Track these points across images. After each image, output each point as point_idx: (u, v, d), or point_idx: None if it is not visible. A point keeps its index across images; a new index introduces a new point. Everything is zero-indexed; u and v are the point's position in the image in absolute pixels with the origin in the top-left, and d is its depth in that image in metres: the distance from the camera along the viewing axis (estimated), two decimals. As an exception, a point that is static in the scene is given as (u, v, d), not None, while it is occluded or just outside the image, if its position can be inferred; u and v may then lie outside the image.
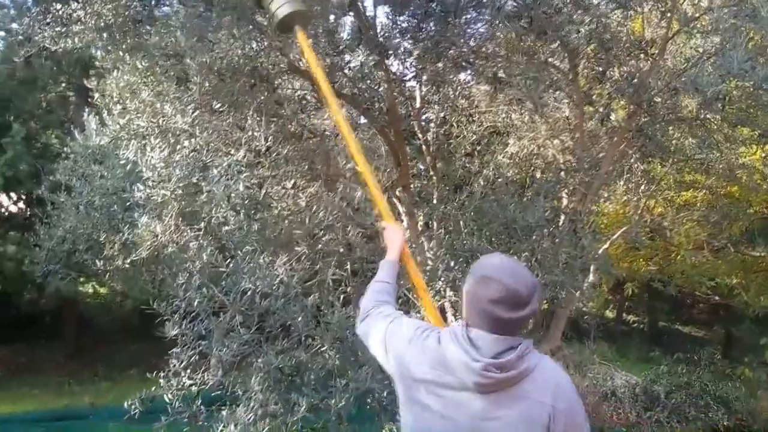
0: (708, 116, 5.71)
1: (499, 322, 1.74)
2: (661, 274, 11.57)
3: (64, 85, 13.66)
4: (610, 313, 18.73)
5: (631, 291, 12.15)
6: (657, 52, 5.19)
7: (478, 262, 1.86)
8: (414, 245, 4.92)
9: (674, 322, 19.92)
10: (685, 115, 5.87)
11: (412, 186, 5.74)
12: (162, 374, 4.11)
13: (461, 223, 5.25)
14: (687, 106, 5.88)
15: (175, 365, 4.14)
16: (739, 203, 9.86)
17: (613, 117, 6.17)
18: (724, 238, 10.48)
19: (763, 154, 8.94)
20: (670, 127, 6.20)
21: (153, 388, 4.14)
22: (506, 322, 1.74)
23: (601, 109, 5.98)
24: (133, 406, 4.36)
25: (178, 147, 4.51)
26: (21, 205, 13.35)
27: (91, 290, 15.29)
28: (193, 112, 4.29)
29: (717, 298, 12.84)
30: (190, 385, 4.07)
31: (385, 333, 2.02)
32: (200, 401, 4.09)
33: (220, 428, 3.86)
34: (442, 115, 6.34)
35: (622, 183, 7.94)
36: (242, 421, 3.86)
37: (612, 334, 16.84)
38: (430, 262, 4.89)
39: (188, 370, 4.11)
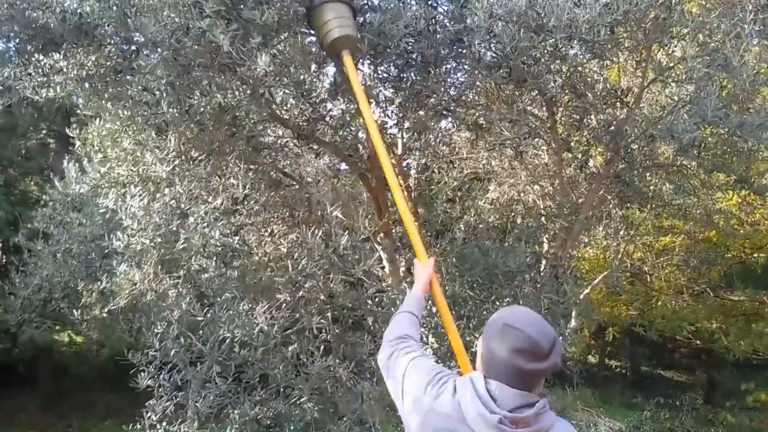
0: (684, 162, 5.80)
1: (519, 374, 1.70)
2: (641, 318, 11.61)
3: (44, 132, 13.65)
4: (592, 358, 18.69)
5: (613, 336, 12.16)
6: (633, 100, 5.29)
7: (498, 313, 1.83)
8: (395, 291, 4.89)
9: (656, 367, 19.89)
10: (662, 161, 5.96)
11: (393, 232, 5.74)
12: (138, 426, 4.02)
13: (443, 269, 5.25)
14: (663, 153, 5.98)
15: (151, 416, 4.05)
16: (717, 248, 9.98)
17: (591, 163, 6.25)
18: (704, 282, 10.56)
19: (739, 200, 9.09)
20: (648, 174, 6.28)
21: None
22: (527, 374, 1.70)
23: (579, 156, 6.06)
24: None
25: (158, 195, 4.50)
26: (-3, 252, 13.17)
27: (66, 339, 14.99)
28: (172, 161, 4.29)
29: (698, 342, 12.90)
30: (167, 436, 3.98)
31: (405, 370, 1.98)
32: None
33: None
34: (423, 161, 6.39)
35: (601, 228, 8.00)
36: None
37: (594, 379, 16.76)
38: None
39: (164, 422, 4.03)
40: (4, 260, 11.84)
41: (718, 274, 10.74)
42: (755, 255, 10.72)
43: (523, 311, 1.83)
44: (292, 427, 4.27)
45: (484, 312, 4.81)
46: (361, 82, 2.92)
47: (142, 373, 3.97)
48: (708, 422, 10.24)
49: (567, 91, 5.11)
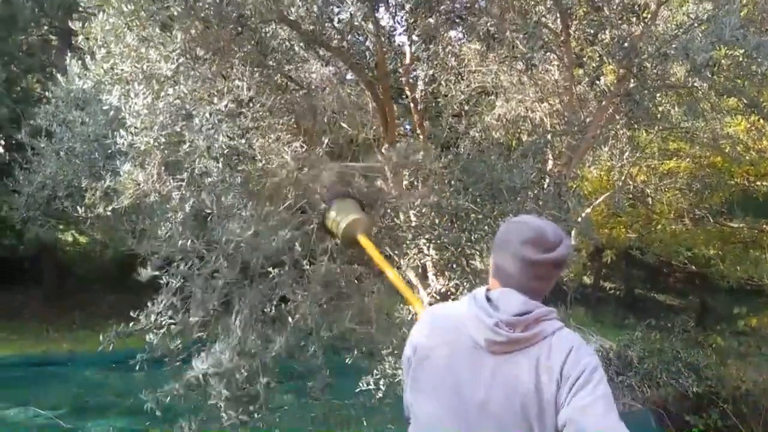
0: (696, 84, 5.69)
1: (528, 268, 1.72)
2: (640, 242, 11.72)
3: (46, 28, 13.33)
4: (587, 279, 18.99)
5: (610, 258, 12.30)
6: (649, 16, 5.15)
7: (504, 224, 1.87)
8: (399, 203, 4.90)
9: (650, 291, 20.26)
10: (674, 82, 5.86)
11: (398, 144, 5.70)
12: (143, 313, 4.08)
13: (447, 182, 5.25)
14: (676, 74, 5.87)
15: (155, 306, 4.11)
16: (721, 174, 9.95)
17: (602, 81, 6.15)
18: (705, 208, 10.60)
19: (748, 125, 8.99)
20: (658, 94, 6.19)
21: (131, 324, 4.11)
22: (536, 266, 1.72)
23: (591, 73, 5.95)
24: (108, 343, 4.33)
25: (162, 94, 4.43)
26: (0, 149, 13.14)
27: (70, 238, 15.18)
28: (177, 59, 4.20)
29: (694, 267, 13.05)
30: (170, 325, 4.06)
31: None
32: (180, 342, 4.10)
33: (197, 366, 3.87)
34: (431, 73, 6.27)
35: (607, 149, 7.96)
36: (219, 358, 3.88)
37: (588, 299, 17.10)
38: (414, 219, 4.89)
39: (170, 312, 4.10)
40: (8, 158, 11.84)
41: (720, 201, 10.76)
42: (758, 183, 10.70)
43: (529, 216, 1.88)
44: (297, 315, 4.34)
45: (485, 227, 4.83)
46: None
47: (147, 268, 4.00)
48: (697, 344, 10.45)
49: (583, 3, 4.96)
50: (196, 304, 3.91)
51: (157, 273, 3.97)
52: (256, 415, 4.02)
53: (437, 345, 1.81)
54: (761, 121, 9.39)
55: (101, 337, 4.27)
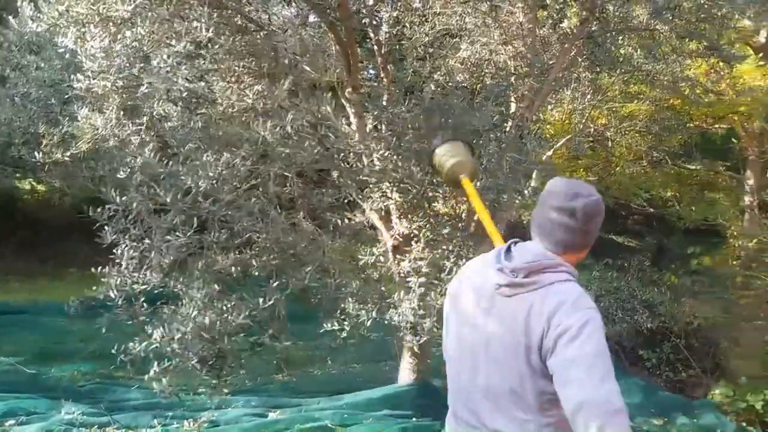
0: (657, 27, 5.74)
1: (553, 217, 1.87)
2: (599, 184, 11.88)
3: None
4: (550, 222, 19.28)
5: (571, 200, 12.43)
6: (613, -43, 5.14)
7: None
8: (362, 147, 4.90)
9: (609, 232, 20.61)
10: (636, 25, 5.89)
11: (362, 89, 5.65)
12: (104, 271, 4.07)
13: (410, 125, 5.24)
14: (638, 16, 5.89)
15: (116, 264, 4.10)
16: (680, 116, 10.11)
17: (565, 24, 6.14)
18: (663, 150, 10.78)
19: (708, 68, 9.11)
20: (620, 37, 6.23)
21: (94, 288, 4.10)
22: (560, 215, 1.86)
23: (554, 15, 5.94)
24: (72, 307, 4.34)
25: (119, 36, 4.31)
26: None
27: (28, 187, 14.83)
28: (134, 0, 4.07)
29: (651, 209, 13.30)
30: (133, 283, 4.06)
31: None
32: (142, 299, 4.10)
33: (161, 327, 3.89)
34: (395, 14, 6.18)
35: (569, 92, 8.00)
36: (183, 320, 3.90)
37: (551, 241, 17.38)
38: (377, 163, 4.90)
39: (130, 269, 4.09)
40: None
41: (678, 143, 10.95)
42: (716, 126, 10.91)
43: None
44: (255, 274, 4.38)
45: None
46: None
47: (106, 227, 3.97)
48: (652, 283, 10.78)
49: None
50: (156, 261, 3.90)
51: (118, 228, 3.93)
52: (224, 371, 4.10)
53: (465, 290, 1.99)
54: (720, 63, 9.54)
55: (69, 302, 4.26)
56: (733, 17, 6.14)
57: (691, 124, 10.56)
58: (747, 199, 11.36)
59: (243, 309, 3.93)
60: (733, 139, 11.83)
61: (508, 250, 1.93)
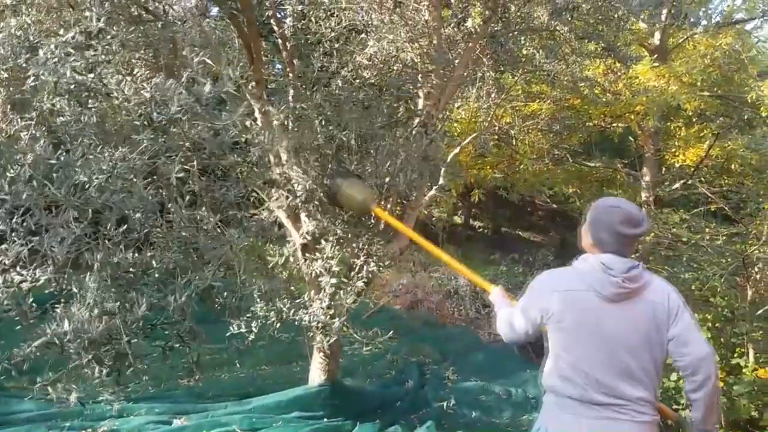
0: (557, 27, 5.90)
1: (623, 239, 2.46)
2: (505, 181, 12.18)
3: None
4: (458, 219, 19.60)
5: (478, 197, 12.70)
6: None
7: (598, 203, 2.58)
8: (266, 142, 4.78)
9: (515, 228, 21.22)
10: (537, 25, 6.03)
11: (268, 84, 5.52)
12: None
13: (319, 122, 5.16)
14: (539, 17, 6.04)
15: (2, 260, 3.82)
16: (580, 116, 10.48)
17: (469, 23, 6.22)
18: (564, 148, 11.15)
19: (605, 68, 9.46)
20: (522, 37, 6.36)
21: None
22: (628, 238, 2.47)
23: (458, 14, 5.99)
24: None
25: (2, 24, 4.03)
26: None
27: None
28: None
29: (554, 205, 13.74)
30: (20, 282, 3.78)
31: (526, 305, 2.66)
32: (31, 299, 3.83)
33: (53, 326, 3.65)
34: (299, 8, 6.08)
35: (474, 91, 8.13)
36: (77, 319, 3.67)
37: (459, 238, 17.69)
38: (285, 159, 4.80)
39: (18, 267, 3.81)
40: None
41: (579, 141, 11.36)
42: (614, 125, 11.38)
43: (614, 198, 2.62)
44: (156, 275, 4.18)
45: (365, 166, 4.84)
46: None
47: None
48: (555, 275, 11.15)
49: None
50: (47, 258, 3.65)
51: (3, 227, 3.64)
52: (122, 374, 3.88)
53: (571, 305, 2.46)
54: (617, 64, 9.95)
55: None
56: (629, 20, 6.41)
57: (591, 123, 10.97)
58: (644, 194, 11.89)
59: (143, 306, 3.73)
60: (630, 138, 12.39)
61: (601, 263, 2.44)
